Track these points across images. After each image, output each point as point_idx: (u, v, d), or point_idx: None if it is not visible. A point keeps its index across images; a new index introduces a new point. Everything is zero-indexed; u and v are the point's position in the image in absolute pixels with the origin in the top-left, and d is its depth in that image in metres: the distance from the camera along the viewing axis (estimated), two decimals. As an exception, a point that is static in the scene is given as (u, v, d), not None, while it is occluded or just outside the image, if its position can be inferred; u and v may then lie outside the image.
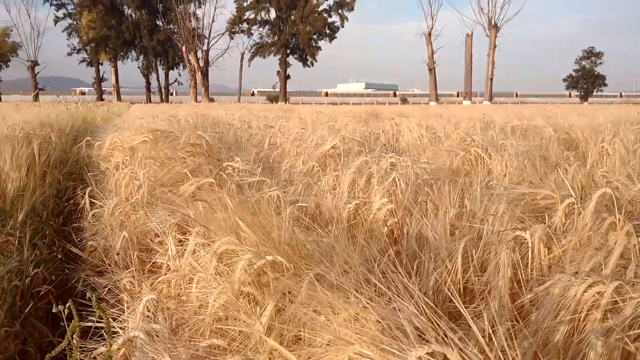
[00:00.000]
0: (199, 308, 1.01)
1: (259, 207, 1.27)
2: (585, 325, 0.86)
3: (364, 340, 0.56)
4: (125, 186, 2.04)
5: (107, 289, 1.40)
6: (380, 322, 0.58)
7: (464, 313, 0.59)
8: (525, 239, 1.20)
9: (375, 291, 0.73)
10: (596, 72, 43.49)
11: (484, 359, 0.53)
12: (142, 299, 1.05)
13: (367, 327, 0.59)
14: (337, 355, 0.56)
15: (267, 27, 33.63)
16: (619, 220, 1.25)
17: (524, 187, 1.53)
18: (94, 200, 2.04)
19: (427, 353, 0.53)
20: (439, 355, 0.53)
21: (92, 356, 0.92)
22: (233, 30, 33.27)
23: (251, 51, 33.80)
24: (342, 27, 33.34)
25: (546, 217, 1.40)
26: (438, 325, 0.55)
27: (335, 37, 33.79)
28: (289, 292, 0.87)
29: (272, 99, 33.08)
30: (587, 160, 2.46)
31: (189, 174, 2.01)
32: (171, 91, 36.23)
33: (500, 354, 0.55)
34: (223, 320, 0.95)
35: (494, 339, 0.56)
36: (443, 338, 0.54)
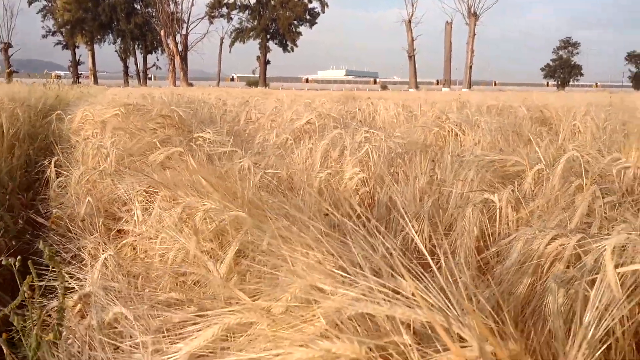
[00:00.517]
0: (160, 263, 0.98)
1: (227, 173, 1.25)
2: (548, 278, 0.86)
3: (317, 275, 0.55)
4: (93, 156, 1.99)
5: (71, 255, 1.37)
6: (335, 256, 0.57)
7: (428, 258, 0.58)
8: (494, 202, 1.20)
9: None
10: (573, 62, 43.99)
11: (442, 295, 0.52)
12: (100, 257, 1.02)
13: (323, 265, 0.57)
14: (291, 287, 0.54)
15: (247, 11, 33.24)
16: (585, 184, 1.25)
17: (493, 154, 1.53)
18: (61, 171, 1.99)
19: (380, 284, 0.51)
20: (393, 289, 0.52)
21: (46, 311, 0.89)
22: (212, 14, 32.81)
23: (231, 36, 33.41)
24: (323, 12, 33.13)
25: (515, 183, 1.40)
26: (396, 266, 0.53)
27: (316, 23, 33.58)
28: (251, 243, 0.86)
29: (252, 84, 32.78)
30: (560, 136, 2.48)
31: (158, 144, 1.97)
32: (149, 76, 35.65)
33: (463, 294, 0.54)
34: (182, 275, 0.93)
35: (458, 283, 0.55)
36: (400, 274, 0.52)
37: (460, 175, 1.44)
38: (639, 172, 1.60)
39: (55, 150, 2.42)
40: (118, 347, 0.74)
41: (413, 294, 0.45)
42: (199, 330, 0.53)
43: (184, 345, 0.53)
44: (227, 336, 0.54)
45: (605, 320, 0.47)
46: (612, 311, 0.48)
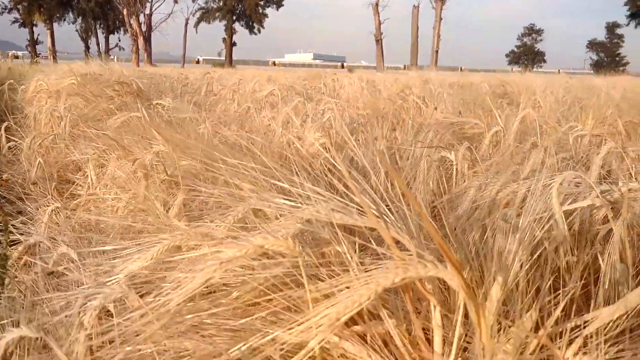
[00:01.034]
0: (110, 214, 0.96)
1: (184, 132, 1.22)
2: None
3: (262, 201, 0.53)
4: (46, 122, 1.92)
5: (21, 216, 1.32)
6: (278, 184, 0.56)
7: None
8: (451, 160, 1.21)
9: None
10: (536, 49, 44.80)
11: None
12: (47, 209, 0.98)
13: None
14: (233, 212, 0.53)
15: (213, -9, 32.60)
16: (540, 141, 1.28)
17: (454, 117, 1.55)
18: (14, 139, 1.92)
19: (327, 199, 0.50)
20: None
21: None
22: (177, -6, 32.02)
23: (196, 16, 32.76)
24: (290, -5, 32.69)
25: (473, 144, 1.42)
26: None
27: (282, 5, 33.20)
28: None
29: (218, 66, 32.25)
30: (520, 107, 2.52)
31: (115, 110, 1.92)
32: (112, 57, 34.68)
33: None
34: (132, 223, 0.90)
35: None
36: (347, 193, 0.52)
37: (419, 137, 1.44)
38: (594, 140, 1.64)
39: (6, 118, 2.34)
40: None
41: (359, 206, 0.45)
42: (139, 253, 0.52)
43: (125, 267, 0.52)
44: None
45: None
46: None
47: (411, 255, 0.41)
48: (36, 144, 1.73)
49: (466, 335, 0.43)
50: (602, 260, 0.72)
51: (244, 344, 0.37)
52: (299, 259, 0.40)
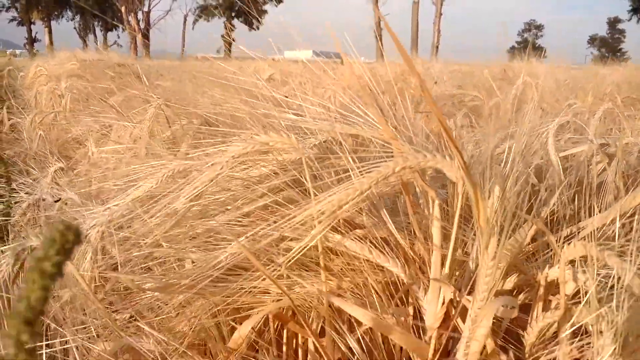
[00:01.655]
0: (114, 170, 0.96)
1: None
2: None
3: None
4: (47, 101, 1.93)
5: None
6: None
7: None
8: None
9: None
10: (537, 45, 44.86)
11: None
12: (50, 168, 0.99)
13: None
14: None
15: (211, -12, 32.57)
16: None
17: (454, 89, 1.56)
18: (15, 118, 1.93)
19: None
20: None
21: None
22: (176, -9, 31.94)
23: (195, 14, 32.73)
24: (289, -9, 32.66)
25: (473, 116, 1.43)
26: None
27: (282, 1, 33.17)
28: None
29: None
30: (520, 89, 2.53)
31: (115, 90, 1.92)
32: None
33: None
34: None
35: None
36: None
37: (420, 107, 1.45)
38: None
39: (7, 99, 2.34)
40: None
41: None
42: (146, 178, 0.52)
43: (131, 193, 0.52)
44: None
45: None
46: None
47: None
48: (37, 121, 1.73)
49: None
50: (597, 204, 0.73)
51: (253, 229, 0.38)
52: (302, 159, 0.40)
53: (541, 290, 0.45)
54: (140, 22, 31.25)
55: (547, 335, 0.44)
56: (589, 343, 0.39)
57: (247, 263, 0.42)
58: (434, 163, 0.38)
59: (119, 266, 0.47)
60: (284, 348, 0.50)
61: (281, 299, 0.42)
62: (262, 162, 0.43)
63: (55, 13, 32.13)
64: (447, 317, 0.41)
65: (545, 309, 0.45)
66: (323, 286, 0.42)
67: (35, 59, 3.78)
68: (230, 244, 0.42)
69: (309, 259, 0.43)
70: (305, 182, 0.41)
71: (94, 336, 0.46)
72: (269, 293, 0.43)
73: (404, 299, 0.44)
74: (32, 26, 32.33)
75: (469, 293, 0.39)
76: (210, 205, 0.43)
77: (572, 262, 0.44)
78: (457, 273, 0.43)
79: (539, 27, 46.45)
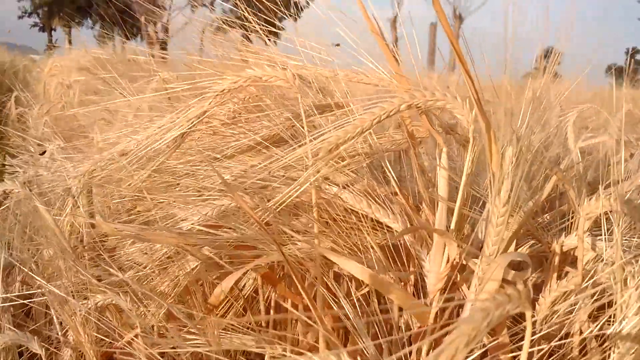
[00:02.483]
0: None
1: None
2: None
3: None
4: (56, 93, 1.92)
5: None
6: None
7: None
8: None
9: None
10: (554, 72, 44.75)
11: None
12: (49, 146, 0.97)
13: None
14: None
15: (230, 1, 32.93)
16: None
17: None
18: (24, 109, 1.92)
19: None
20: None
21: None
22: (194, 3, 32.43)
23: (213, 26, 33.08)
24: (307, 6, 32.95)
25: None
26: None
27: (300, 17, 33.46)
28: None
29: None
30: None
31: (120, 77, 1.91)
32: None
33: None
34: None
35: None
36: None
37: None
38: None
39: (17, 91, 2.34)
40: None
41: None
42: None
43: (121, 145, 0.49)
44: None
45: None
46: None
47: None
48: (44, 111, 1.72)
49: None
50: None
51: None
52: (298, 95, 0.37)
53: (556, 260, 0.41)
54: (159, 33, 31.62)
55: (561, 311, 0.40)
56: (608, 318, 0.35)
57: (234, 213, 0.38)
58: (443, 103, 0.34)
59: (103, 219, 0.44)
60: (272, 312, 0.46)
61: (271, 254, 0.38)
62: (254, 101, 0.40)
63: (76, 20, 32.60)
64: (452, 285, 0.37)
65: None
66: (316, 240, 0.38)
67: (51, 57, 3.80)
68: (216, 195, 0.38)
69: (302, 211, 0.39)
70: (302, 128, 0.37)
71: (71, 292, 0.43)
72: (255, 249, 0.39)
73: (406, 264, 0.41)
74: (52, 32, 32.84)
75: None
76: (195, 149, 0.40)
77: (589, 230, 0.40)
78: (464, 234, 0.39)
79: (558, 55, 46.33)
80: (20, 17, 32.19)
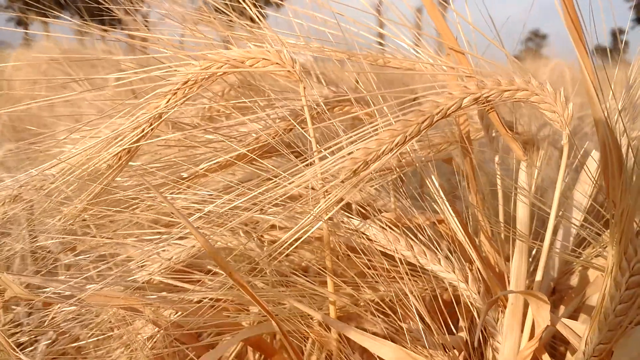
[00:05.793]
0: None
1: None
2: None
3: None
4: (21, 86, 1.77)
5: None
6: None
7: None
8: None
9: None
10: (540, 54, 44.72)
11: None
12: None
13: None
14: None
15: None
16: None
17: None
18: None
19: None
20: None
21: None
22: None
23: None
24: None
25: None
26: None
27: (283, 5, 33.14)
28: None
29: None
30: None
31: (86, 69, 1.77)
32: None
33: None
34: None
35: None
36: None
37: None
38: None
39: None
40: None
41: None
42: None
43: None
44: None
45: None
46: None
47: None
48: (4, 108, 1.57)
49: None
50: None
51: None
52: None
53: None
54: (140, 25, 30.94)
55: None
56: None
57: (208, 262, 0.26)
58: (527, 93, 0.22)
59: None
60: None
61: (263, 321, 0.26)
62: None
63: (53, 13, 31.78)
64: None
65: None
66: (329, 304, 0.26)
67: (17, 50, 3.63)
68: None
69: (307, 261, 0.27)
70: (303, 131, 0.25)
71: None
72: (247, 312, 0.27)
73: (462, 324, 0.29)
74: (29, 26, 32.09)
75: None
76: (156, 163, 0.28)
77: None
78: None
79: (543, 37, 46.36)
80: (-5, 11, 31.55)
